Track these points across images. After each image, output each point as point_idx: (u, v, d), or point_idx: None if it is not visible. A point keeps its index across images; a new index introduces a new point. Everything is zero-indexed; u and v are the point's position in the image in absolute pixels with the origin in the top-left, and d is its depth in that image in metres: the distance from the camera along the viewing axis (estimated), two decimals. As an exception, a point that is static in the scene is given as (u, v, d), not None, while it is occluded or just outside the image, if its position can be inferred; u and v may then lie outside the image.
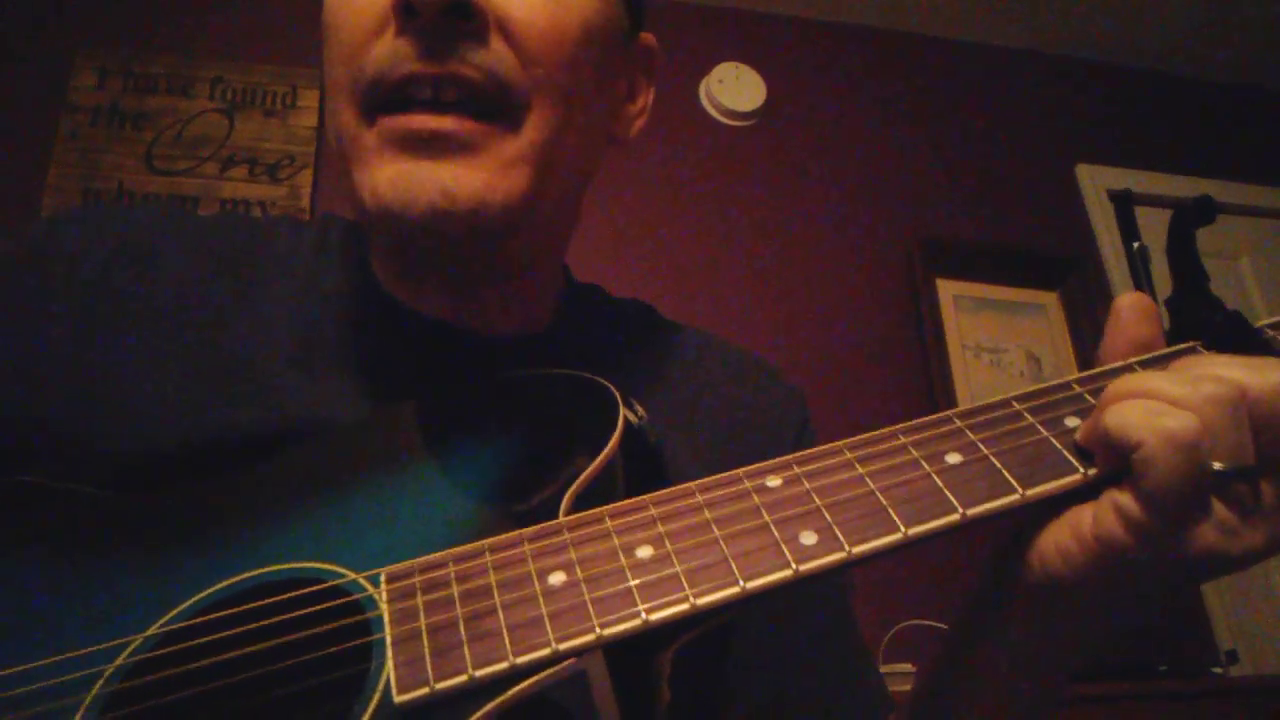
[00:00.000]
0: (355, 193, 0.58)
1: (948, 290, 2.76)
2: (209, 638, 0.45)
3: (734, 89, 2.82)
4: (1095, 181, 3.01)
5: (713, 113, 2.81)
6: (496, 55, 0.56)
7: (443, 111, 0.55)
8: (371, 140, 0.57)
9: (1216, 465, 0.40)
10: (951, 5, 3.03)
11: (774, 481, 0.46)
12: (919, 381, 2.61)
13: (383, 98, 0.56)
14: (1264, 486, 0.42)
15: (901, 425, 0.47)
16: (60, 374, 0.59)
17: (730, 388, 0.75)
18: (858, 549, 0.42)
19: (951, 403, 2.55)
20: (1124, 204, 0.71)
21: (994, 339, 2.75)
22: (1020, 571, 0.47)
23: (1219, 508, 0.41)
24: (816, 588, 0.70)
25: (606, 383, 0.56)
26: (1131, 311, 0.50)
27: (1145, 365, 0.48)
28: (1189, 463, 0.40)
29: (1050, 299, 2.86)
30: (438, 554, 0.46)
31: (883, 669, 1.91)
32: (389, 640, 0.43)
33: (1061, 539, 0.44)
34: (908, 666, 1.93)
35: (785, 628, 0.68)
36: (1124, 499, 0.42)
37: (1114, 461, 0.43)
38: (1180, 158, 3.09)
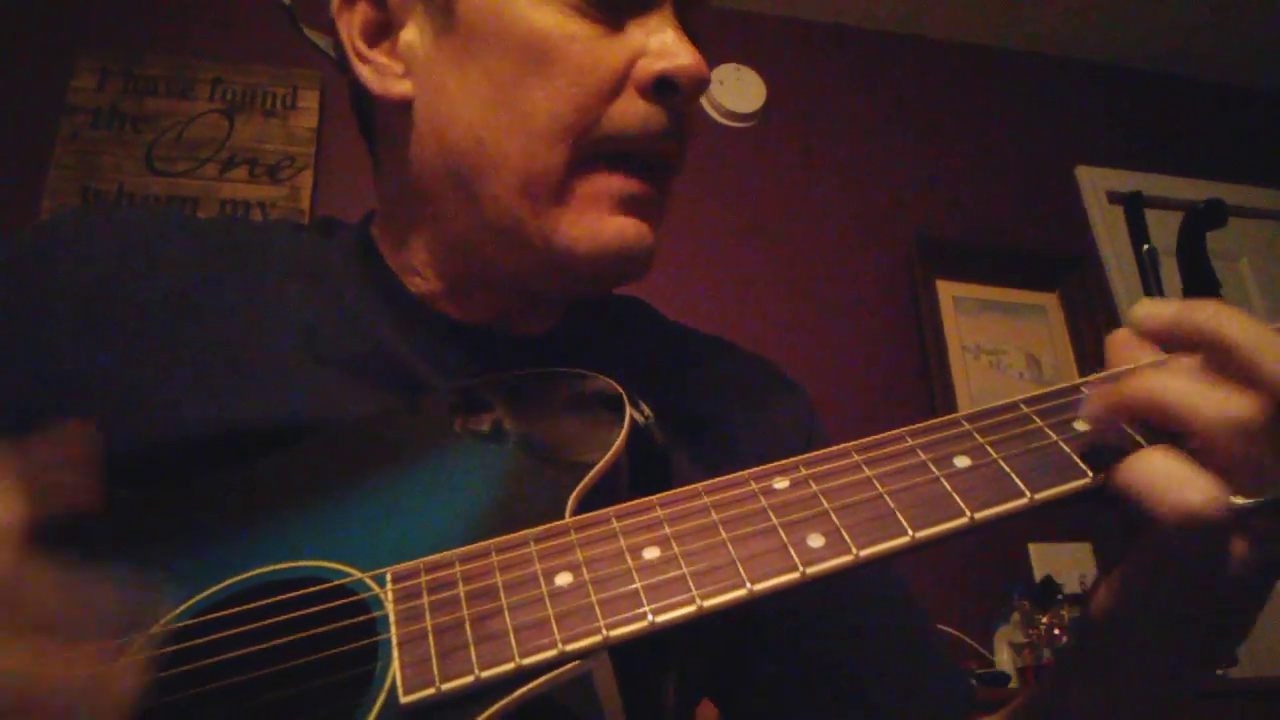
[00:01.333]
0: (543, 223, 0.60)
1: (947, 291, 2.77)
2: (213, 636, 0.45)
3: (734, 90, 2.82)
4: (1095, 183, 3.02)
5: (713, 114, 2.81)
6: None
7: (658, 177, 0.63)
8: (595, 188, 0.60)
9: (1239, 503, 0.38)
10: (952, 7, 3.04)
11: (781, 483, 0.46)
12: (919, 383, 2.62)
13: (613, 153, 0.60)
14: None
15: (909, 428, 0.47)
16: (64, 374, 0.59)
17: (735, 390, 0.75)
18: (865, 552, 0.42)
19: (951, 404, 2.55)
20: (1134, 206, 0.71)
21: (994, 340, 2.75)
22: (1088, 632, 0.47)
23: (1238, 544, 0.40)
24: (878, 590, 0.70)
25: (612, 382, 0.56)
26: (1124, 345, 0.46)
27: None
28: (1207, 534, 0.38)
29: (1050, 300, 2.87)
30: (444, 554, 0.46)
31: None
32: (395, 640, 0.43)
33: (1104, 601, 0.44)
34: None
35: (853, 633, 0.69)
36: (1146, 559, 0.42)
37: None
38: (1180, 159, 3.09)
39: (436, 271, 0.67)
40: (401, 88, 0.63)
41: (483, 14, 0.60)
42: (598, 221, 0.60)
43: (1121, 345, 0.46)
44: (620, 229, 0.60)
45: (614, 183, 0.60)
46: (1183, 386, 0.39)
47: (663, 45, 0.60)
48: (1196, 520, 0.37)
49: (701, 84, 0.60)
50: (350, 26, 0.65)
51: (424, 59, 0.62)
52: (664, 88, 0.60)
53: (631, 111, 0.60)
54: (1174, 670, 0.46)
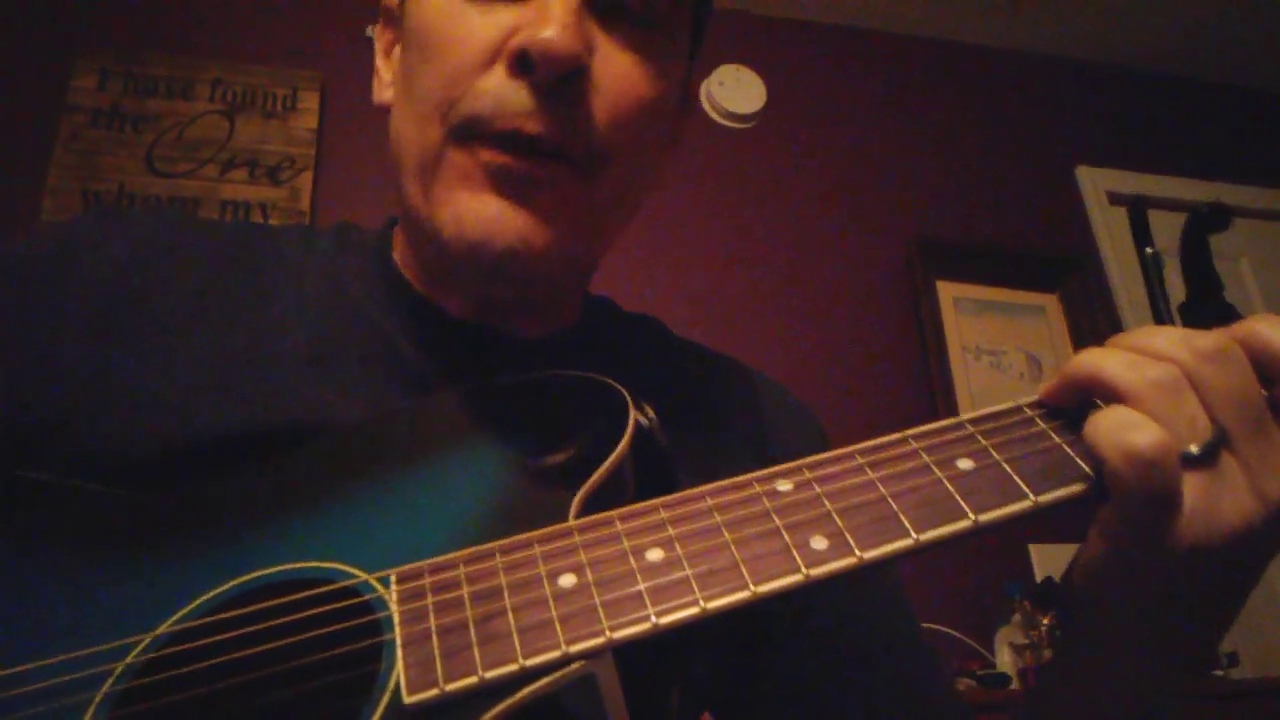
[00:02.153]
0: (428, 207, 0.60)
1: (948, 292, 2.77)
2: (218, 637, 0.45)
3: (734, 91, 2.83)
4: (1095, 183, 3.02)
5: (713, 115, 2.81)
6: (588, 116, 0.58)
7: (535, 158, 0.57)
8: (461, 163, 0.58)
9: (1187, 451, 0.42)
10: (951, 7, 3.04)
11: (785, 486, 0.46)
12: (919, 384, 2.62)
13: (481, 133, 0.58)
14: (1230, 455, 0.43)
15: (912, 430, 0.47)
16: (74, 374, 0.59)
17: (743, 411, 0.75)
18: (869, 554, 0.42)
19: (951, 404, 2.56)
20: (1137, 209, 0.71)
21: (994, 341, 2.75)
22: (1071, 599, 0.47)
23: (1193, 490, 0.42)
24: (875, 604, 0.70)
25: (616, 384, 0.56)
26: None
27: None
28: (1155, 471, 0.41)
29: (1050, 301, 2.87)
30: (448, 555, 0.47)
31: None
32: (399, 641, 0.43)
33: (1081, 558, 0.46)
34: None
35: (850, 644, 0.69)
36: (1103, 512, 0.43)
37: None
38: (1181, 160, 3.09)
39: (420, 266, 0.68)
40: (384, 95, 0.68)
41: (408, 13, 0.64)
42: (464, 200, 0.58)
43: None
44: (479, 208, 0.57)
45: (482, 156, 0.57)
46: (1113, 358, 0.45)
47: (534, 15, 0.56)
48: (1144, 461, 0.40)
49: (554, 59, 0.55)
50: (380, 44, 0.71)
51: (398, 67, 0.66)
52: (522, 63, 0.56)
53: (488, 88, 0.57)
54: (1155, 670, 0.48)
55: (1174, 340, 0.44)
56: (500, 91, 0.57)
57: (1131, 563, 0.43)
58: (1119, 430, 0.42)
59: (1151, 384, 0.43)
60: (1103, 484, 0.43)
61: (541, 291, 0.66)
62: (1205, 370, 0.43)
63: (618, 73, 0.59)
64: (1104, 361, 0.45)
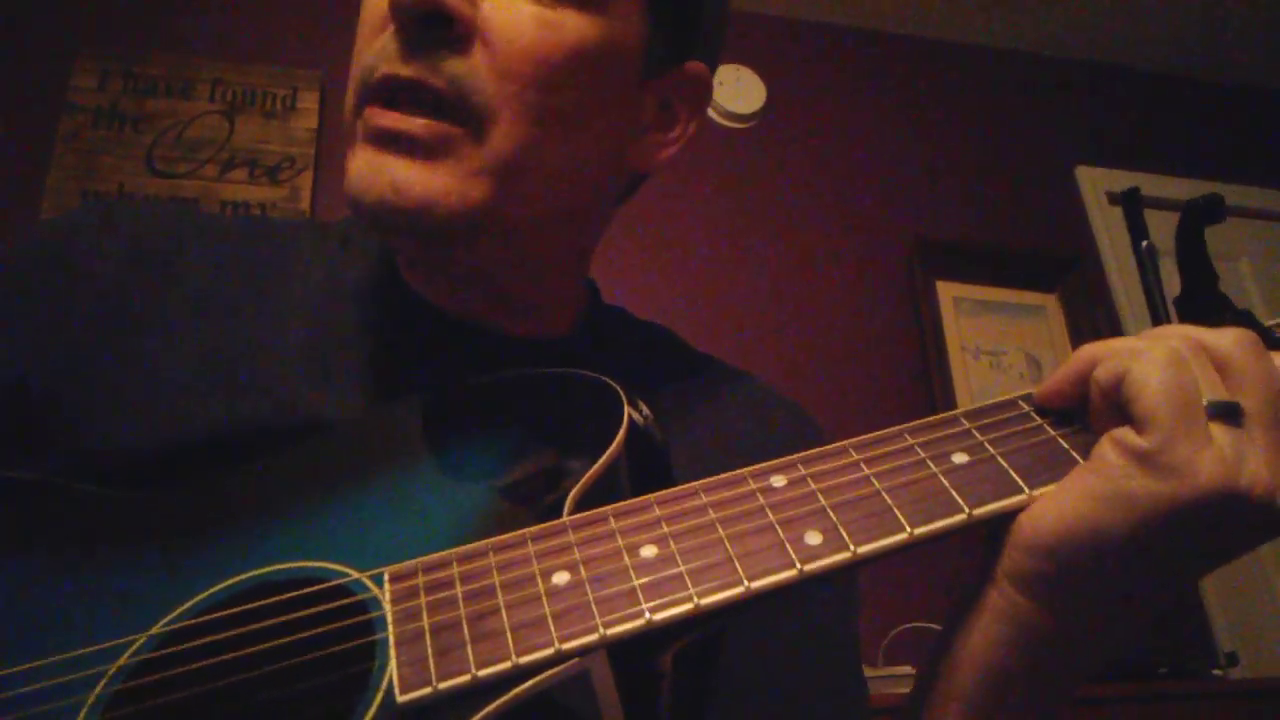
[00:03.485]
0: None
1: (947, 292, 2.77)
2: (212, 637, 0.45)
3: (734, 91, 2.82)
4: (1094, 183, 3.02)
5: (713, 115, 2.81)
6: (470, 66, 0.57)
7: (415, 112, 0.57)
8: (357, 129, 0.59)
9: (1206, 398, 0.41)
10: (951, 7, 3.04)
11: (779, 481, 0.46)
12: (919, 384, 2.61)
13: (372, 92, 0.58)
14: (1252, 428, 0.42)
15: (908, 425, 0.47)
16: (77, 370, 0.59)
17: (749, 424, 0.74)
18: (863, 549, 0.42)
19: (951, 405, 2.55)
20: (1133, 203, 0.71)
21: (993, 341, 2.75)
22: (1008, 562, 0.45)
23: (1218, 433, 0.41)
24: (818, 611, 0.69)
25: (611, 381, 0.56)
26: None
27: None
28: (1179, 377, 0.41)
29: (1050, 300, 2.86)
30: (441, 553, 0.46)
31: (883, 672, 1.91)
32: (392, 640, 0.43)
33: (1051, 509, 0.43)
34: (908, 669, 1.93)
35: (778, 651, 0.67)
36: (1122, 431, 0.42)
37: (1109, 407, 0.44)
38: (1180, 159, 3.09)
39: (404, 257, 0.68)
40: None
41: None
42: (350, 161, 0.59)
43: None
44: (356, 164, 0.58)
45: (366, 116, 0.58)
46: (1119, 340, 0.45)
47: None
48: (1162, 359, 0.42)
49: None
50: None
51: None
52: (391, 14, 0.57)
53: (376, 45, 0.58)
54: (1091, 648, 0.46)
55: (1189, 327, 0.45)
56: (381, 45, 0.58)
57: (1132, 516, 0.41)
58: (1137, 350, 0.42)
59: (1169, 350, 0.42)
60: None
61: (487, 260, 0.64)
62: (1226, 346, 0.43)
63: (505, 21, 0.57)
64: (1110, 342, 0.45)
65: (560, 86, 0.59)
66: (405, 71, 0.57)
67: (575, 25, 0.59)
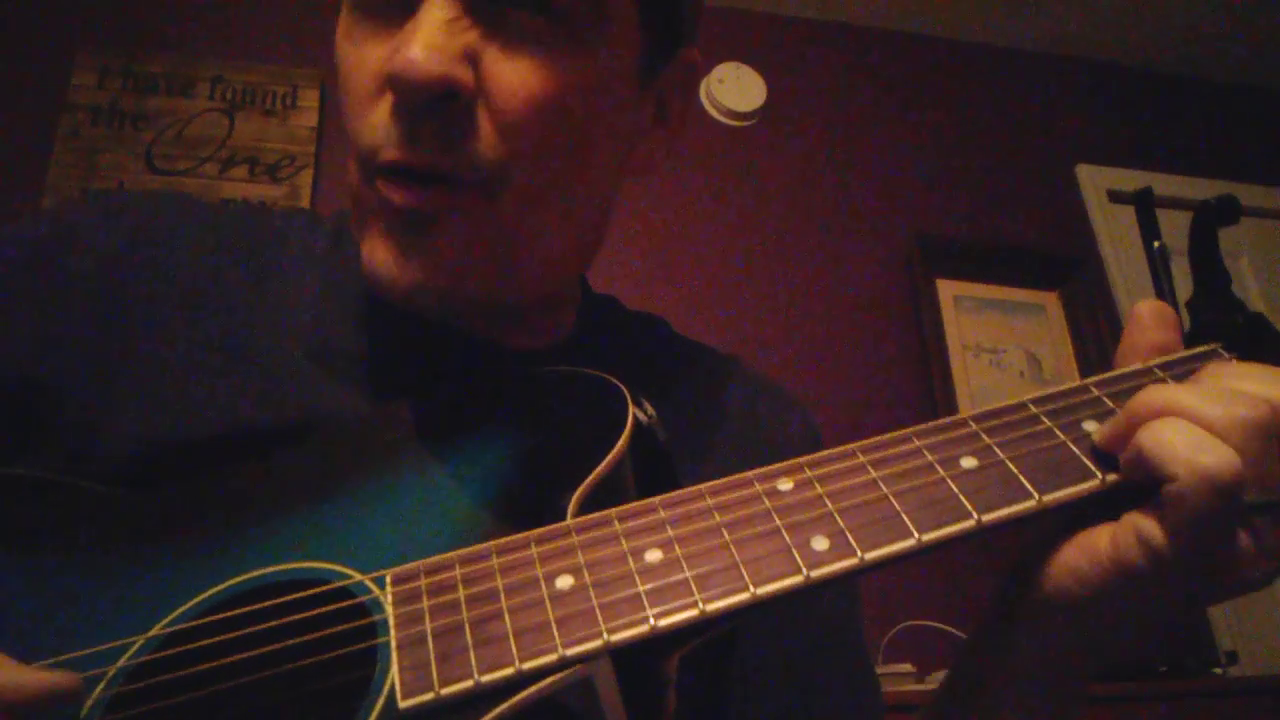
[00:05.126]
0: (358, 243, 0.59)
1: (948, 290, 2.76)
2: (213, 639, 0.45)
3: (734, 89, 2.82)
4: (1096, 182, 3.01)
5: (713, 113, 2.81)
6: (477, 135, 0.54)
7: (428, 185, 0.54)
8: (366, 198, 0.56)
9: (1248, 498, 0.39)
10: (951, 5, 3.03)
11: (785, 485, 0.45)
12: (919, 382, 2.61)
13: (379, 172, 0.55)
14: None
15: (915, 428, 0.47)
16: (76, 362, 0.58)
17: (745, 414, 0.74)
18: (871, 555, 0.41)
19: (951, 403, 2.55)
20: (1145, 203, 0.71)
21: (994, 339, 2.74)
22: (1033, 588, 0.46)
23: (1242, 538, 0.40)
24: (826, 607, 0.69)
25: (615, 380, 0.55)
26: (1152, 316, 0.50)
27: (1166, 369, 0.48)
28: (1223, 502, 0.39)
29: (1050, 299, 2.86)
30: (444, 555, 0.46)
31: (883, 669, 1.91)
32: (394, 644, 0.42)
33: (1072, 560, 0.44)
34: (908, 667, 1.93)
35: (791, 648, 0.67)
36: (1148, 526, 0.41)
37: (1140, 478, 0.42)
38: (1181, 158, 3.09)
39: None
40: None
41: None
42: (367, 242, 0.57)
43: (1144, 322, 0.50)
44: (376, 253, 0.56)
45: (380, 191, 0.55)
46: (1192, 392, 0.42)
47: (402, 36, 0.52)
48: (1219, 487, 0.38)
49: (413, 83, 0.51)
50: None
51: None
52: (393, 90, 0.52)
53: (377, 120, 0.54)
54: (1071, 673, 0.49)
55: (1269, 382, 0.41)
56: (384, 122, 0.54)
57: (1135, 580, 0.42)
58: (1194, 449, 0.39)
59: (1244, 425, 0.39)
60: (1110, 489, 0.43)
61: (503, 306, 0.63)
62: None
63: (506, 77, 0.53)
64: (1182, 395, 0.42)
65: (568, 128, 0.57)
66: (413, 159, 0.53)
67: (576, 64, 0.56)
